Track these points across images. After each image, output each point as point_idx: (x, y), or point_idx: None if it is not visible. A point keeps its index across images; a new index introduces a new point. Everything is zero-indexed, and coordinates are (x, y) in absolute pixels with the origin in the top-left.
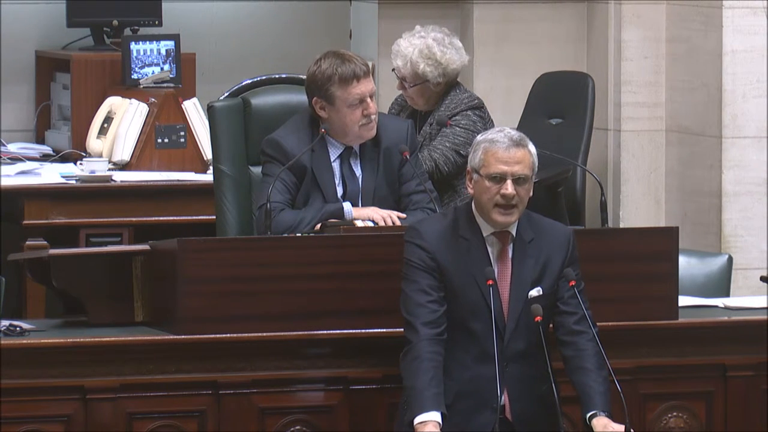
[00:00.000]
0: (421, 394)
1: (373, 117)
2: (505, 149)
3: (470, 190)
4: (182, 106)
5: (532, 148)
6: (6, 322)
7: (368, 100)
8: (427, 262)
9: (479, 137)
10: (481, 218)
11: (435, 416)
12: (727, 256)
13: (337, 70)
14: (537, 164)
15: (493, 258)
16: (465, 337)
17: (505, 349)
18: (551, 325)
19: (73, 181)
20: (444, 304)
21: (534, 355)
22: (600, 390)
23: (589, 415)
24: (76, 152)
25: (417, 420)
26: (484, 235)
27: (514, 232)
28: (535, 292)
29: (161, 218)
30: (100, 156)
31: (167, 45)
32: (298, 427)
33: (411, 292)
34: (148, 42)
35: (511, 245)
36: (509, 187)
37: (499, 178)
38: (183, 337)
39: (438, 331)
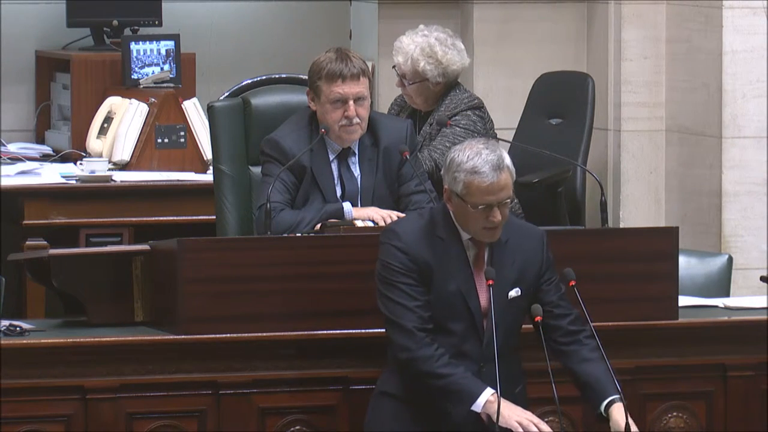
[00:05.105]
0: (463, 382)
1: (354, 121)
2: (489, 181)
3: (449, 207)
4: (182, 106)
5: (508, 161)
6: (6, 322)
7: (350, 102)
8: (408, 264)
9: (456, 160)
10: (460, 226)
11: (489, 390)
12: (727, 256)
13: (328, 65)
14: (515, 174)
15: (471, 258)
16: (443, 337)
17: (484, 350)
18: (531, 326)
19: (73, 181)
20: (429, 306)
21: (510, 356)
22: (609, 378)
23: (606, 402)
24: (76, 152)
25: (480, 400)
26: (463, 239)
27: None
28: (514, 293)
29: (161, 218)
30: (100, 156)
31: (167, 45)
32: (298, 427)
33: (397, 297)
34: (148, 42)
35: (488, 247)
36: (497, 215)
37: (487, 208)
38: (183, 337)
39: (430, 328)
